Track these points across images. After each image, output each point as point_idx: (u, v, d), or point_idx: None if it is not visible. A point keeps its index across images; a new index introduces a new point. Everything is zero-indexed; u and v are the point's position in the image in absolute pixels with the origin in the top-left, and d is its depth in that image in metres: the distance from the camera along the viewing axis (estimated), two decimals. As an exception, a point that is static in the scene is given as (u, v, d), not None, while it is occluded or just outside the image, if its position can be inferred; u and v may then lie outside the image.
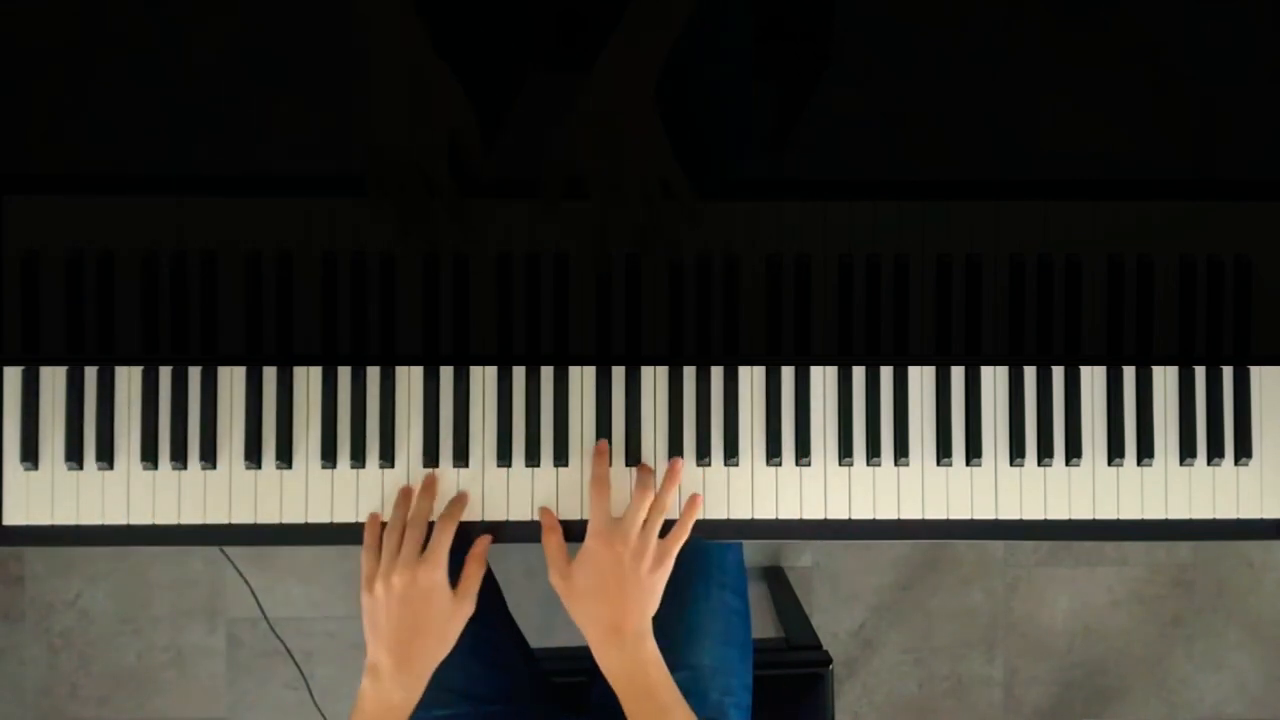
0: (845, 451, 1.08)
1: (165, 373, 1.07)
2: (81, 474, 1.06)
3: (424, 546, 1.04)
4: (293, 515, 1.07)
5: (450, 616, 1.04)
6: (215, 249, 1.06)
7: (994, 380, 1.09)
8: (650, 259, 1.06)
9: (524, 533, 1.08)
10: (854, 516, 1.09)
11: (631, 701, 1.02)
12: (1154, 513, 1.09)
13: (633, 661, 1.02)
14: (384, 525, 1.06)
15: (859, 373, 1.09)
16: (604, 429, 1.08)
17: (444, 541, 1.04)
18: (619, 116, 1.00)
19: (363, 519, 1.07)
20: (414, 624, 1.02)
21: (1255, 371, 1.10)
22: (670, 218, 1.04)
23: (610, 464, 1.07)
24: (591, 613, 1.03)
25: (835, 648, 1.89)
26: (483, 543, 1.06)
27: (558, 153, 1.02)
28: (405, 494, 1.06)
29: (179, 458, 1.06)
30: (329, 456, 1.07)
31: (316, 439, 1.07)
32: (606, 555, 1.02)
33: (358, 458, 1.07)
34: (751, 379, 1.09)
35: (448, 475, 1.07)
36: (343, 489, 1.07)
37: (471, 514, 1.08)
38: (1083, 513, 1.09)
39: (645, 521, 1.04)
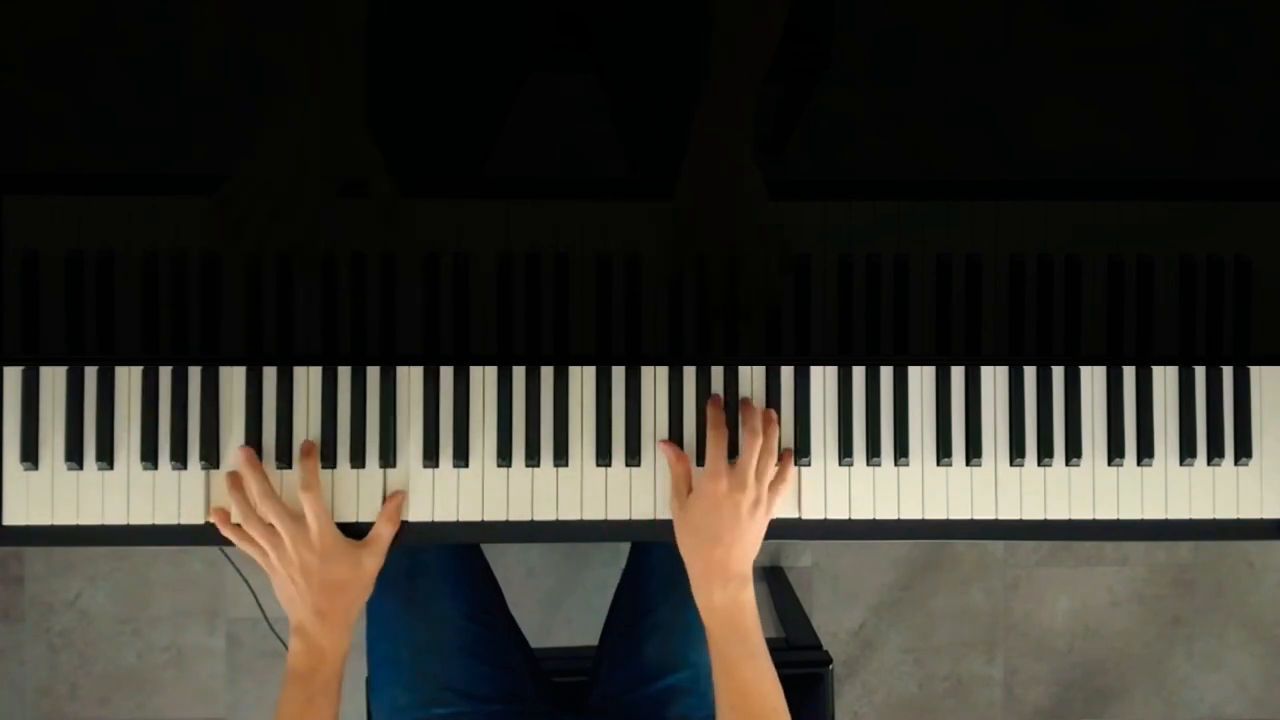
0: (845, 451, 1.08)
1: (165, 373, 1.07)
2: (81, 474, 1.06)
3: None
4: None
5: (358, 568, 1.05)
6: (215, 249, 1.06)
7: (994, 380, 1.09)
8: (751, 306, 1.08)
9: (524, 533, 1.08)
10: (854, 516, 1.09)
11: (723, 643, 1.03)
12: (1154, 513, 1.09)
13: (733, 602, 1.03)
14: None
15: (859, 373, 1.09)
16: (604, 429, 1.08)
17: (314, 506, 1.05)
18: (725, 188, 1.04)
19: (363, 519, 1.07)
20: (322, 583, 1.04)
21: (1255, 371, 1.10)
22: (775, 269, 1.07)
23: (723, 409, 1.08)
24: (703, 550, 1.04)
25: (835, 648, 1.89)
26: (394, 501, 1.07)
27: (679, 230, 1.06)
28: (235, 479, 1.06)
29: (179, 458, 1.06)
30: (329, 457, 1.07)
31: (316, 439, 1.07)
32: (726, 500, 1.04)
33: (357, 458, 1.07)
34: (751, 379, 1.09)
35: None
36: (343, 489, 1.07)
37: (471, 514, 1.08)
38: (1083, 513, 1.09)
39: (757, 468, 1.05)
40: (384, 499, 1.07)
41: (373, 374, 1.07)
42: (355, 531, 1.07)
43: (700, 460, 1.08)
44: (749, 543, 1.04)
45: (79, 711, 1.91)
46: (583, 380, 1.08)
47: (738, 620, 1.03)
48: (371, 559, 1.06)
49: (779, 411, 1.08)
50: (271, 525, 1.05)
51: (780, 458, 1.08)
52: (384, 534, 1.07)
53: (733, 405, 1.08)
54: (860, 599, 1.95)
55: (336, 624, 1.04)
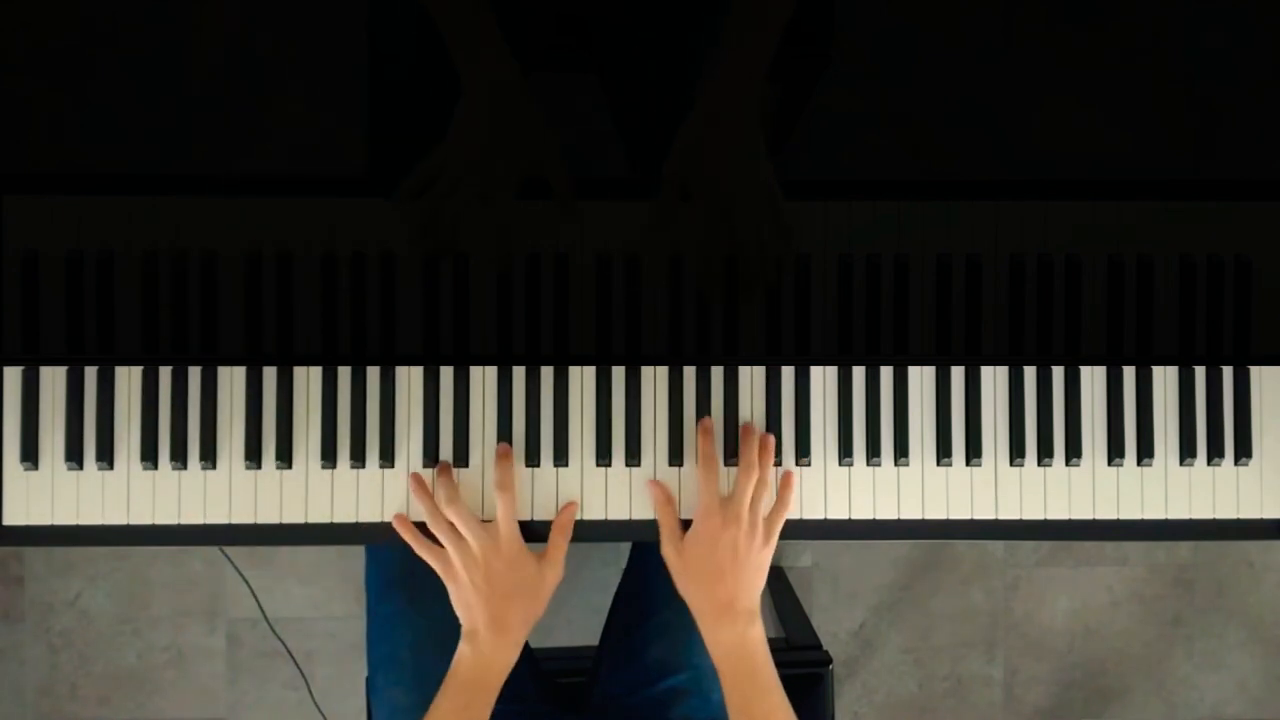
0: (845, 451, 1.08)
1: (165, 373, 1.07)
2: (81, 474, 1.06)
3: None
4: (293, 515, 1.07)
5: (540, 578, 1.05)
6: (215, 249, 1.06)
7: (994, 380, 1.09)
8: (755, 271, 1.06)
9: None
10: (854, 516, 1.09)
11: (735, 678, 1.03)
12: (1154, 513, 1.09)
13: (742, 640, 1.03)
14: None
15: (859, 373, 1.09)
16: (604, 429, 1.08)
17: (508, 510, 1.05)
18: (732, 137, 1.02)
19: (363, 519, 1.07)
20: (505, 591, 1.03)
21: (1255, 371, 1.10)
22: (779, 229, 1.06)
23: (714, 440, 1.07)
24: (705, 590, 1.04)
25: (835, 648, 1.89)
26: (568, 512, 1.07)
27: (670, 175, 1.04)
28: (420, 483, 1.06)
29: (179, 458, 1.06)
30: (329, 456, 1.07)
31: (316, 439, 1.07)
32: (721, 535, 1.03)
33: (358, 458, 1.07)
34: (751, 379, 1.09)
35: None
36: (343, 489, 1.07)
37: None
38: (1083, 513, 1.09)
39: (751, 500, 1.05)
40: (383, 501, 1.07)
41: (373, 374, 1.07)
42: (355, 532, 1.07)
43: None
44: (752, 577, 1.04)
45: (79, 711, 1.91)
46: (583, 380, 1.08)
47: (748, 658, 1.03)
48: (552, 571, 1.05)
49: (779, 411, 1.08)
50: (454, 529, 1.04)
51: (781, 481, 1.07)
52: (560, 545, 1.06)
53: (735, 402, 1.08)
54: (860, 599, 1.95)
55: (509, 635, 1.04)
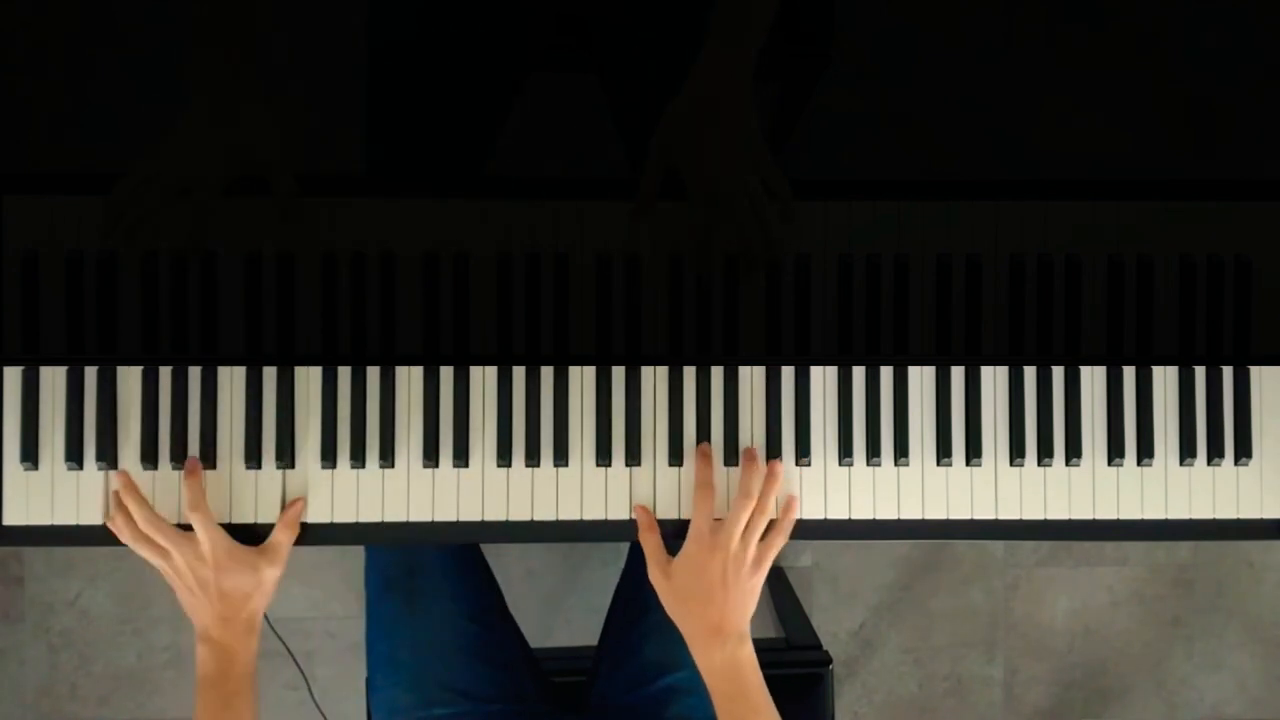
0: (845, 451, 1.08)
1: (165, 373, 1.07)
2: (81, 474, 1.06)
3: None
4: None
5: (257, 575, 1.05)
6: (215, 249, 1.06)
7: (994, 380, 1.09)
8: (750, 260, 1.06)
9: (524, 533, 1.08)
10: (854, 516, 1.09)
11: (726, 700, 1.02)
12: (1154, 513, 1.09)
13: (732, 661, 1.02)
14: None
15: (859, 373, 1.08)
16: (604, 429, 1.08)
17: (203, 525, 1.04)
18: (717, 116, 1.01)
19: (363, 519, 1.07)
20: (221, 593, 1.03)
21: (1255, 371, 1.10)
22: (772, 218, 1.05)
23: (712, 464, 1.07)
24: (693, 613, 1.04)
25: (835, 648, 1.89)
26: (294, 509, 1.07)
27: (656, 153, 1.03)
28: (119, 502, 1.06)
29: (179, 458, 1.06)
30: (329, 457, 1.07)
31: (316, 439, 1.07)
32: (708, 560, 1.03)
33: (357, 458, 1.07)
34: (751, 379, 1.09)
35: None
36: (343, 489, 1.07)
37: (471, 514, 1.08)
38: (1083, 513, 1.09)
39: (747, 525, 1.04)
40: (383, 501, 1.07)
41: (373, 374, 1.07)
42: (355, 532, 1.07)
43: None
44: (741, 601, 1.03)
45: (79, 711, 1.90)
46: (583, 380, 1.08)
47: (739, 679, 1.02)
48: (271, 567, 1.05)
49: (779, 411, 1.08)
50: (158, 546, 1.05)
51: (783, 507, 1.07)
52: (282, 541, 1.06)
53: (735, 402, 1.08)
54: (860, 599, 1.95)
55: (239, 628, 1.04)
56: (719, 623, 1.02)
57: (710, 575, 1.03)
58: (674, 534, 1.07)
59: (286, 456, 1.06)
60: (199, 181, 1.03)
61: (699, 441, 1.08)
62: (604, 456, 1.08)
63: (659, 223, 1.06)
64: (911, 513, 1.09)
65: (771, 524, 1.06)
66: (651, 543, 1.06)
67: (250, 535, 1.07)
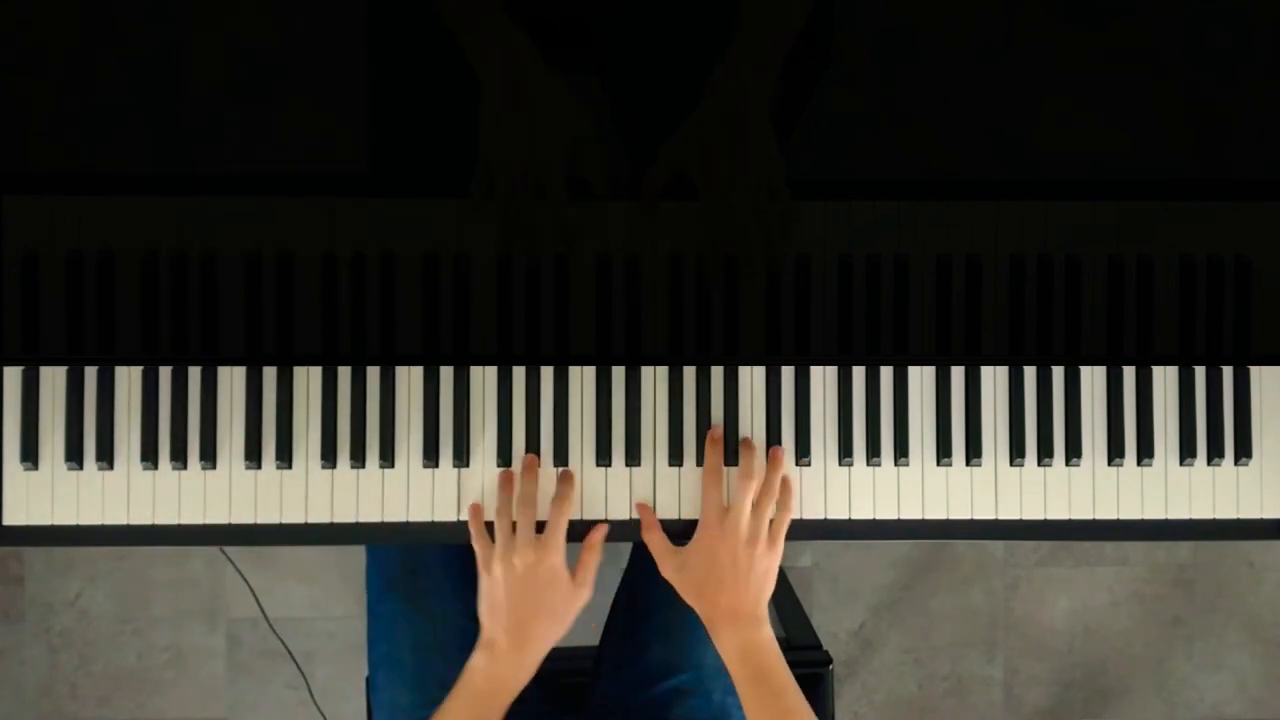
0: (845, 451, 1.08)
1: (165, 373, 1.07)
2: (81, 474, 1.06)
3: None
4: (293, 515, 1.07)
5: (570, 599, 1.05)
6: (215, 249, 1.06)
7: (994, 380, 1.09)
8: (751, 261, 1.06)
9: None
10: (854, 516, 1.09)
11: (748, 684, 1.02)
12: (1154, 513, 1.09)
13: (751, 642, 1.03)
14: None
15: (859, 373, 1.09)
16: (604, 429, 1.08)
17: (561, 524, 1.05)
18: (739, 118, 1.01)
19: (363, 519, 1.07)
20: (535, 604, 1.03)
21: (1255, 371, 1.10)
22: (777, 221, 1.05)
23: (723, 452, 1.07)
24: (710, 600, 1.04)
25: (835, 648, 1.89)
26: (599, 532, 1.07)
27: (673, 152, 1.04)
28: (507, 478, 1.06)
29: (179, 458, 1.06)
30: (329, 456, 1.07)
31: (316, 439, 1.07)
32: (721, 545, 1.03)
33: (358, 458, 1.07)
34: (751, 379, 1.09)
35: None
36: (343, 489, 1.07)
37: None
38: (1083, 513, 1.09)
39: (754, 508, 1.04)
40: (384, 501, 1.07)
41: (373, 374, 1.07)
42: (355, 532, 1.07)
43: (701, 460, 1.08)
44: (757, 584, 1.04)
45: (79, 711, 1.90)
46: (583, 380, 1.08)
47: (758, 661, 1.03)
48: (583, 592, 1.06)
49: (779, 411, 1.08)
50: (512, 528, 1.04)
51: (780, 488, 1.07)
52: (590, 565, 1.06)
53: (735, 402, 1.08)
54: (860, 599, 1.95)
55: (528, 652, 1.03)
56: (734, 606, 1.03)
57: (723, 559, 1.03)
58: (675, 534, 1.07)
59: (286, 456, 1.06)
60: (548, 175, 1.02)
61: (699, 442, 1.08)
62: (604, 456, 1.08)
63: (661, 223, 1.07)
64: (911, 513, 1.09)
65: (778, 505, 1.06)
66: (656, 540, 1.06)
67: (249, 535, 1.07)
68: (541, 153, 1.02)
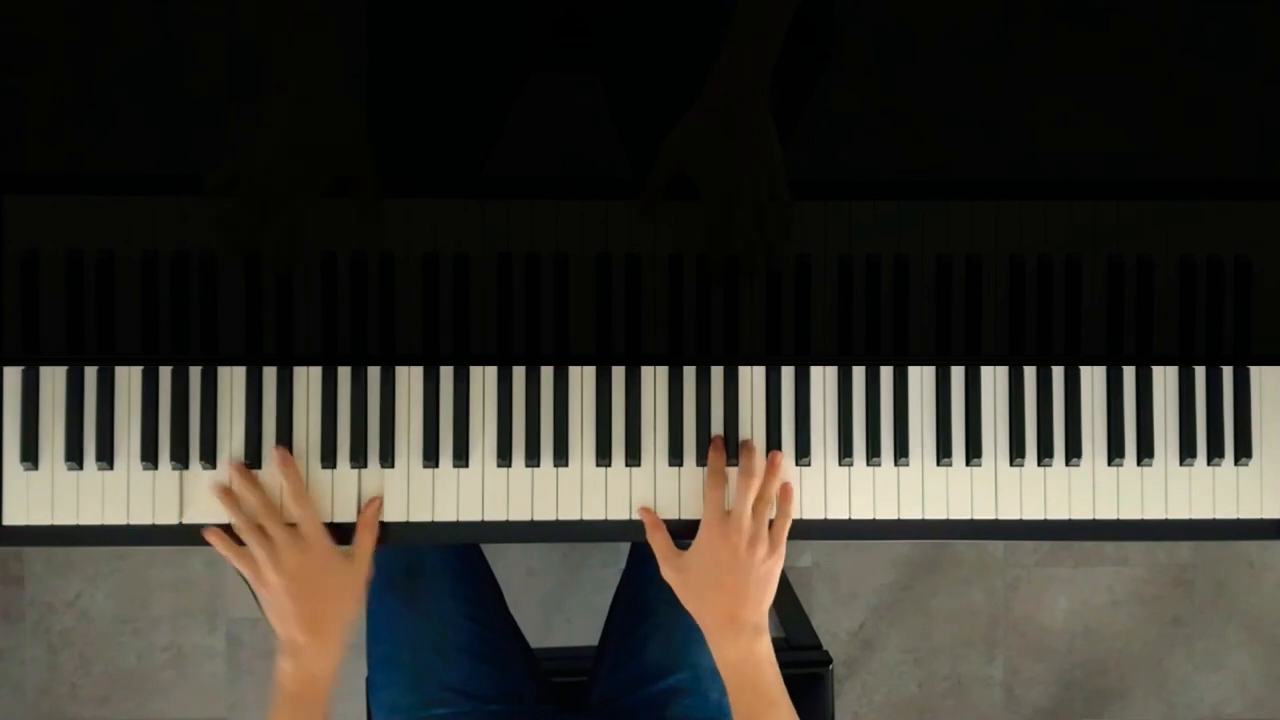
0: (845, 451, 1.08)
1: (165, 373, 1.07)
2: (81, 474, 1.06)
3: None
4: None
5: (352, 576, 1.04)
6: (215, 249, 1.06)
7: (994, 380, 1.09)
8: (750, 262, 1.05)
9: (524, 533, 1.08)
10: (854, 516, 1.09)
11: (741, 693, 1.02)
12: (1154, 513, 1.09)
13: (748, 652, 1.02)
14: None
15: (859, 373, 1.09)
16: (604, 429, 1.08)
17: (308, 513, 1.04)
18: (737, 114, 1.01)
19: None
20: (318, 593, 1.02)
21: (1255, 371, 1.10)
22: (775, 221, 1.05)
23: (724, 455, 1.07)
24: (709, 603, 1.03)
25: (835, 648, 1.89)
26: (371, 508, 1.06)
27: (671, 152, 1.03)
28: (227, 492, 1.05)
29: (179, 458, 1.06)
30: (329, 457, 1.07)
31: (316, 439, 1.07)
32: (723, 546, 1.03)
33: (358, 458, 1.07)
34: (751, 379, 1.09)
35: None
36: (343, 489, 1.07)
37: (471, 514, 1.08)
38: (1083, 513, 1.09)
39: (754, 510, 1.04)
40: (384, 501, 1.07)
41: (373, 374, 1.07)
42: (354, 532, 1.07)
43: (701, 459, 1.08)
44: (758, 588, 1.03)
45: (79, 711, 1.90)
46: (583, 380, 1.08)
47: (754, 672, 1.02)
48: (361, 568, 1.05)
49: (779, 411, 1.08)
50: (263, 533, 1.03)
51: (780, 493, 1.07)
52: (366, 542, 1.05)
53: (735, 402, 1.08)
54: (860, 599, 1.95)
55: (328, 640, 1.03)
56: (735, 612, 1.02)
57: (724, 562, 1.02)
58: (675, 534, 1.07)
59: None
60: (302, 185, 1.00)
61: (699, 442, 1.08)
62: (604, 456, 1.08)
63: (661, 223, 1.07)
64: (911, 513, 1.09)
65: (776, 511, 1.06)
66: (660, 541, 1.06)
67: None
68: (303, 167, 1.00)
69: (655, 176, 1.04)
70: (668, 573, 1.06)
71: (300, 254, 1.05)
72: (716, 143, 1.02)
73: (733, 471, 1.07)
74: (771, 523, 1.05)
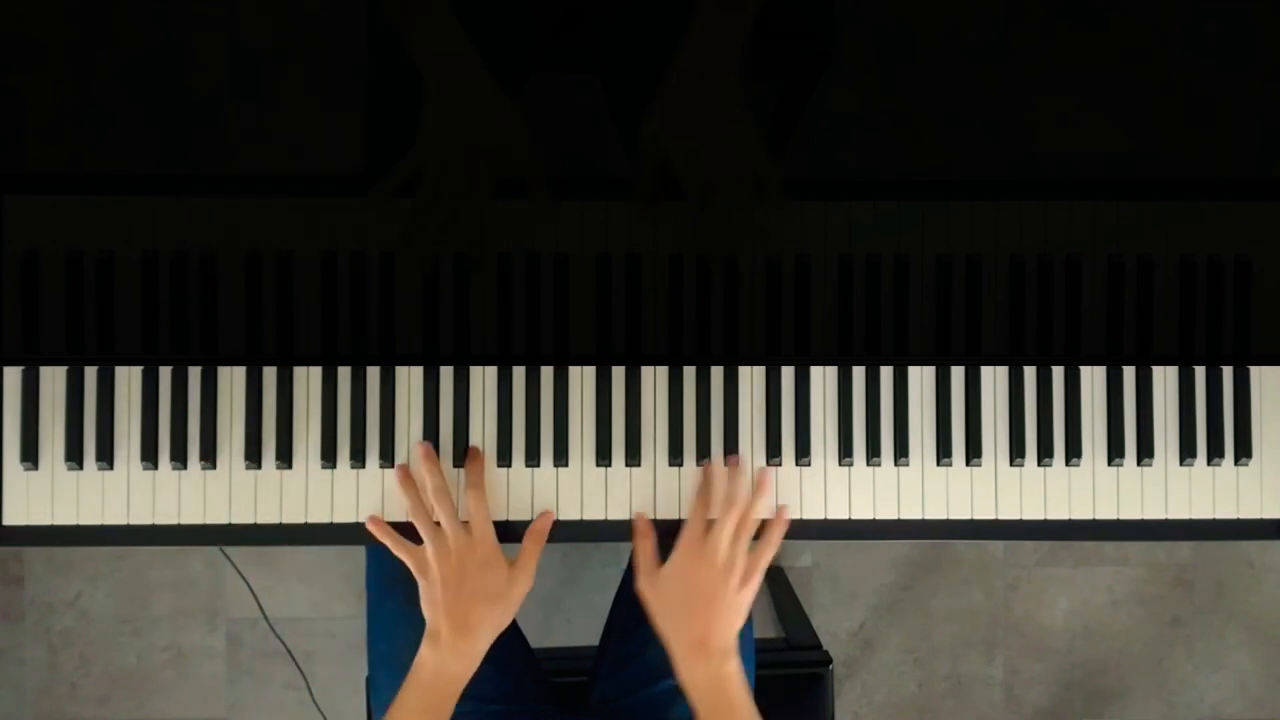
0: (845, 451, 1.08)
1: (165, 373, 1.07)
2: (81, 474, 1.06)
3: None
4: (293, 515, 1.07)
5: (511, 584, 1.04)
6: (215, 249, 1.06)
7: (994, 380, 1.09)
8: (742, 257, 1.05)
9: (524, 532, 1.08)
10: (854, 516, 1.09)
11: (711, 716, 1.01)
12: (1154, 513, 1.09)
13: (717, 677, 1.01)
14: (392, 523, 1.06)
15: (859, 373, 1.09)
16: (604, 429, 1.08)
17: (482, 510, 1.04)
18: (708, 107, 1.00)
19: (364, 519, 1.07)
20: (473, 591, 1.02)
21: (1255, 371, 1.10)
22: (765, 215, 1.04)
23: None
24: (679, 625, 1.03)
25: (835, 648, 1.89)
26: (545, 519, 1.06)
27: (649, 151, 1.02)
28: (406, 473, 1.05)
29: (179, 458, 1.06)
30: (329, 456, 1.07)
31: (316, 439, 1.07)
32: (695, 571, 1.02)
33: (358, 458, 1.07)
34: (751, 379, 1.08)
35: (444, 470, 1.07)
36: (343, 489, 1.07)
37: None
38: (1083, 513, 1.09)
39: (734, 537, 1.03)
40: (384, 500, 1.07)
41: (373, 374, 1.07)
42: (355, 532, 1.07)
43: (701, 460, 1.08)
44: (727, 616, 1.02)
45: (79, 711, 1.91)
46: (583, 380, 1.08)
47: (724, 695, 1.01)
48: (523, 578, 1.04)
49: (779, 411, 1.08)
50: (435, 523, 1.03)
51: (773, 518, 1.06)
52: (533, 552, 1.05)
53: (735, 402, 1.08)
54: (860, 599, 1.95)
55: (472, 639, 1.02)
56: (704, 636, 1.02)
57: (698, 586, 1.02)
58: (673, 533, 1.07)
59: (286, 456, 1.06)
60: (475, 186, 1.01)
61: (699, 442, 1.08)
62: (604, 456, 1.08)
63: (661, 222, 1.06)
64: (911, 513, 1.09)
65: (761, 536, 1.05)
66: (645, 550, 1.06)
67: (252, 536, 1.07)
68: (475, 156, 1.00)
69: (643, 171, 1.03)
70: (642, 585, 1.05)
71: (490, 251, 1.05)
72: (689, 129, 1.00)
73: (723, 478, 1.07)
74: (758, 542, 1.05)
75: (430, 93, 1.01)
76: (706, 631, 1.02)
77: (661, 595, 1.04)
